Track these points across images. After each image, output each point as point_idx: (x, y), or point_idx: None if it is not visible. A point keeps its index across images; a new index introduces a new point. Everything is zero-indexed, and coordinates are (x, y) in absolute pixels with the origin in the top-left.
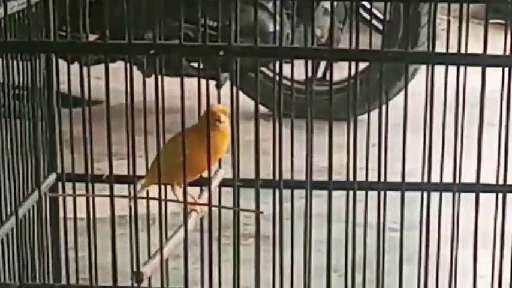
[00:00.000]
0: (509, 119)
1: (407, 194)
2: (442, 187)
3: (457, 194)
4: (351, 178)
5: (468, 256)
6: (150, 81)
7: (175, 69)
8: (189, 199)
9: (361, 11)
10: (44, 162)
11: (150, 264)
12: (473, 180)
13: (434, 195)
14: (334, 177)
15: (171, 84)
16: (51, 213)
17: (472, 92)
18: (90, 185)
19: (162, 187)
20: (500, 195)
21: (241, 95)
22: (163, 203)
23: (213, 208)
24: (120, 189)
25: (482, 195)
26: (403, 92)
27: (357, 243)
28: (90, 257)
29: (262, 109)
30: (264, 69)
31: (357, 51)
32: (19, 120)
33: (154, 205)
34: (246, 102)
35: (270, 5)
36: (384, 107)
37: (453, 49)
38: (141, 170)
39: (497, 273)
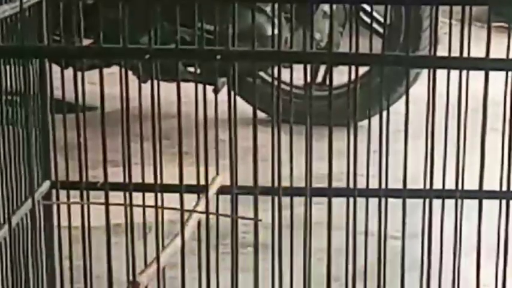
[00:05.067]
0: None
1: (409, 201)
2: (444, 194)
3: (459, 201)
4: (351, 185)
5: (471, 264)
6: (146, 86)
7: (172, 74)
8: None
9: (361, 14)
10: (38, 170)
11: (146, 273)
12: (476, 187)
13: (437, 202)
14: (334, 184)
15: (168, 89)
16: (45, 222)
17: (475, 96)
18: (84, 193)
19: (159, 194)
20: (504, 201)
21: (239, 100)
22: (159, 210)
23: (210, 216)
24: (116, 196)
25: (485, 201)
26: (404, 97)
27: (358, 252)
28: (85, 266)
29: (260, 115)
30: (262, 73)
31: (357, 55)
32: (12, 126)
33: (150, 213)
34: (244, 108)
35: (268, 9)
36: (385, 113)
37: (455, 53)
38: (136, 177)
39: (500, 282)
